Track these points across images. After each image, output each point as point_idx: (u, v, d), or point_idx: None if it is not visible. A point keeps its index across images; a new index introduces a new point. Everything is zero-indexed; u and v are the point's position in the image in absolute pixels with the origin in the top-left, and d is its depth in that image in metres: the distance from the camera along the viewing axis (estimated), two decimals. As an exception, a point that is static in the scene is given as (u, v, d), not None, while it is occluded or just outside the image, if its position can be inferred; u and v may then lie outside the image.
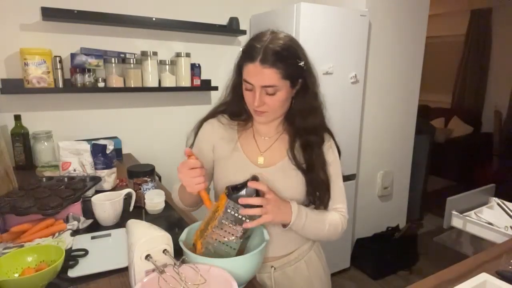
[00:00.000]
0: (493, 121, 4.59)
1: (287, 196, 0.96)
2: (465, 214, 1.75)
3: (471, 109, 5.00)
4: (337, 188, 1.01)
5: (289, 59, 0.89)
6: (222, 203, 0.83)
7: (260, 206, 0.83)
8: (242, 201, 0.82)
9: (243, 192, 0.84)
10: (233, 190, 0.85)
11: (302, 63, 0.91)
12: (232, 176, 0.99)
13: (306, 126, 0.97)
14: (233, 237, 0.84)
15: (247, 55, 0.90)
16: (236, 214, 0.83)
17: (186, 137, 1.09)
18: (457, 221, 1.75)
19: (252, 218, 0.84)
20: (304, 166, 0.97)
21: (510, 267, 0.94)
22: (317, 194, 0.98)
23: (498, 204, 1.72)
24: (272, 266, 1.02)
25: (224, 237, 0.84)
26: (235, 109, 1.02)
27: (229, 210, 0.83)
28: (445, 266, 1.00)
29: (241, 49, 0.94)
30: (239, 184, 0.87)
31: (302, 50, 0.94)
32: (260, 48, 0.87)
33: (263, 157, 1.00)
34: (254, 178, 0.89)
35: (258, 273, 1.02)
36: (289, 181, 0.97)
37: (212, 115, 1.06)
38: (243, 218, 0.84)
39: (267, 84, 0.88)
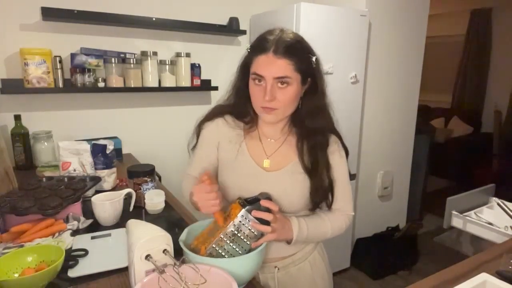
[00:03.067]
0: (493, 121, 4.59)
1: (293, 200, 0.96)
2: (465, 214, 1.75)
3: (471, 109, 5.00)
4: (342, 189, 1.01)
5: (302, 52, 0.88)
6: (235, 212, 0.83)
7: (269, 223, 0.84)
8: (255, 213, 0.83)
9: (259, 207, 0.84)
10: (246, 202, 0.85)
11: (313, 58, 0.90)
12: (239, 179, 0.98)
13: (314, 127, 0.95)
14: (240, 248, 0.85)
15: (258, 47, 0.88)
16: (247, 226, 0.84)
17: (187, 141, 1.08)
18: (457, 221, 1.75)
19: (260, 233, 0.85)
20: (310, 168, 0.96)
21: (510, 267, 0.94)
22: (321, 197, 0.98)
23: (498, 204, 1.72)
24: (275, 267, 1.02)
25: (232, 246, 0.84)
26: (240, 111, 1.00)
27: (241, 221, 0.83)
28: (445, 266, 0.99)
29: (247, 46, 0.93)
30: (249, 198, 0.87)
31: (311, 48, 0.93)
32: (273, 40, 0.86)
33: (269, 161, 0.99)
34: (266, 195, 0.89)
35: (261, 273, 1.02)
36: (296, 185, 0.96)
37: (214, 115, 1.04)
38: (254, 232, 0.85)
39: (280, 75, 0.86)
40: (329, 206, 1.01)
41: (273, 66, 0.85)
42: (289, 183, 0.96)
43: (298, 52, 0.87)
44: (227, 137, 1.01)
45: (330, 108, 0.99)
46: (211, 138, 1.03)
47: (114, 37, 2.07)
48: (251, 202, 0.85)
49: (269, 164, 0.99)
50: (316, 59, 0.91)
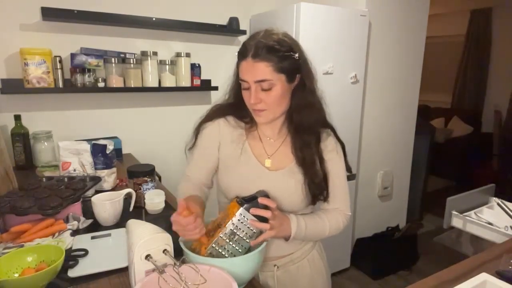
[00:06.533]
0: (493, 121, 4.59)
1: (294, 199, 0.97)
2: (465, 214, 1.75)
3: (471, 109, 5.01)
4: (337, 186, 1.01)
5: (281, 51, 0.87)
6: (233, 211, 0.84)
7: (267, 221, 0.85)
8: (253, 211, 0.83)
9: (257, 204, 0.84)
10: (244, 201, 0.85)
11: (296, 55, 0.89)
12: (242, 179, 0.98)
13: (302, 123, 0.96)
14: (239, 246, 0.85)
15: (240, 53, 0.90)
16: (246, 224, 0.84)
17: (186, 143, 1.08)
18: (457, 221, 1.75)
19: (259, 231, 0.85)
20: (302, 164, 0.97)
21: (510, 267, 0.94)
22: (317, 190, 0.98)
23: (498, 204, 1.72)
24: (275, 265, 1.02)
25: (232, 244, 0.84)
26: (239, 111, 1.01)
27: (240, 219, 0.83)
28: (445, 266, 1.00)
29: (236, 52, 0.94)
30: (247, 196, 0.87)
31: (297, 45, 0.92)
32: (252, 44, 0.87)
33: (271, 160, 0.99)
34: (263, 193, 0.89)
35: (260, 271, 1.02)
36: (298, 185, 0.97)
37: (214, 115, 1.04)
38: (253, 230, 0.85)
39: (260, 79, 0.87)
40: (325, 199, 1.01)
41: (252, 71, 0.87)
42: (291, 182, 0.97)
43: (277, 52, 0.86)
44: (229, 137, 1.02)
45: (323, 103, 0.99)
46: (212, 139, 1.03)
47: (114, 37, 2.07)
48: (249, 201, 0.85)
49: (270, 164, 0.99)
50: (299, 56, 0.91)
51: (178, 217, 0.81)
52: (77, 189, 1.20)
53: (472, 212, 1.77)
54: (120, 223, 1.16)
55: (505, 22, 4.70)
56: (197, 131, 1.06)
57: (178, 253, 0.80)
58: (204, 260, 0.78)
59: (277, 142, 1.01)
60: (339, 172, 1.01)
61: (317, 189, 0.98)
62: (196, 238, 0.83)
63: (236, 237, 0.84)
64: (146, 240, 0.76)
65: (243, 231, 0.84)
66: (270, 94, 0.89)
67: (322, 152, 0.98)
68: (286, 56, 0.88)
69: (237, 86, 0.98)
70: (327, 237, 1.01)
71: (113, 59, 1.98)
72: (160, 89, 2.15)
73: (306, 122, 0.96)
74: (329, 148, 1.00)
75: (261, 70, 0.86)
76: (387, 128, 2.72)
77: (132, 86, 2.05)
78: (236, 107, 1.01)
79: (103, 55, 1.94)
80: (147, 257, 0.75)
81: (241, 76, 0.90)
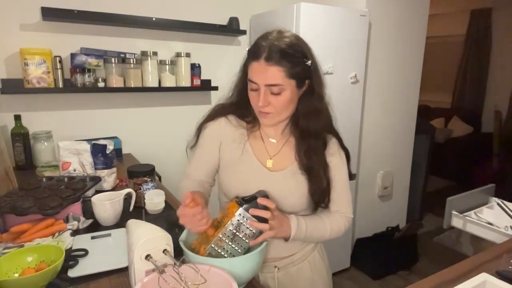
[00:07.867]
0: (493, 121, 4.59)
1: (295, 200, 0.97)
2: (465, 214, 1.75)
3: (471, 109, 5.00)
4: (339, 189, 1.01)
5: (295, 57, 0.86)
6: (233, 211, 0.84)
7: (266, 221, 0.84)
8: (252, 211, 0.83)
9: (256, 205, 0.84)
10: (243, 201, 0.85)
11: (308, 62, 0.89)
12: (243, 179, 0.98)
13: (309, 129, 0.95)
14: (239, 246, 0.85)
15: (253, 53, 0.88)
16: (246, 225, 0.84)
17: (187, 142, 1.08)
18: (457, 221, 1.75)
19: (258, 231, 0.85)
20: (307, 170, 0.96)
21: (510, 267, 0.94)
22: (320, 197, 0.98)
23: (498, 204, 1.72)
24: (275, 266, 1.02)
25: (232, 245, 0.84)
26: (242, 111, 1.01)
27: (239, 220, 0.83)
28: (445, 266, 1.00)
29: (247, 49, 0.93)
30: (247, 196, 0.87)
31: (309, 50, 0.92)
32: (265, 46, 0.86)
33: (272, 161, 0.99)
34: (263, 193, 0.89)
35: (261, 272, 1.02)
36: (299, 186, 0.97)
37: (216, 115, 1.04)
38: (252, 230, 0.85)
39: (271, 83, 0.86)
40: (326, 206, 1.01)
41: (264, 74, 0.86)
42: (292, 183, 0.97)
43: (291, 57, 0.85)
44: (230, 137, 1.01)
45: (329, 108, 0.98)
46: (213, 138, 1.03)
47: (114, 37, 2.07)
48: (249, 201, 0.85)
49: (272, 164, 0.99)
50: (312, 62, 0.90)
51: (185, 208, 0.82)
52: (77, 189, 1.20)
53: (472, 212, 1.77)
54: (120, 223, 1.16)
55: (505, 22, 4.70)
56: (199, 130, 1.06)
57: (178, 253, 0.80)
58: (204, 260, 0.78)
59: (280, 143, 1.01)
60: (341, 174, 1.01)
61: (321, 196, 0.98)
62: (203, 230, 0.84)
63: (236, 237, 0.84)
64: (146, 240, 0.76)
65: (242, 231, 0.84)
66: (279, 98, 0.88)
67: (325, 156, 0.98)
68: (299, 62, 0.87)
69: (242, 84, 0.97)
70: (327, 239, 1.01)
71: (113, 59, 1.98)
72: (160, 89, 2.15)
73: (313, 128, 0.95)
74: (331, 152, 0.99)
75: (273, 74, 0.85)
76: (387, 128, 2.72)
77: (132, 86, 2.05)
78: (238, 106, 1.01)
79: (103, 55, 1.94)
80: (147, 257, 0.75)
81: (250, 77, 0.89)
